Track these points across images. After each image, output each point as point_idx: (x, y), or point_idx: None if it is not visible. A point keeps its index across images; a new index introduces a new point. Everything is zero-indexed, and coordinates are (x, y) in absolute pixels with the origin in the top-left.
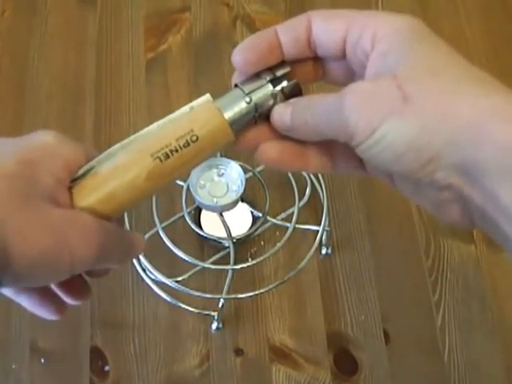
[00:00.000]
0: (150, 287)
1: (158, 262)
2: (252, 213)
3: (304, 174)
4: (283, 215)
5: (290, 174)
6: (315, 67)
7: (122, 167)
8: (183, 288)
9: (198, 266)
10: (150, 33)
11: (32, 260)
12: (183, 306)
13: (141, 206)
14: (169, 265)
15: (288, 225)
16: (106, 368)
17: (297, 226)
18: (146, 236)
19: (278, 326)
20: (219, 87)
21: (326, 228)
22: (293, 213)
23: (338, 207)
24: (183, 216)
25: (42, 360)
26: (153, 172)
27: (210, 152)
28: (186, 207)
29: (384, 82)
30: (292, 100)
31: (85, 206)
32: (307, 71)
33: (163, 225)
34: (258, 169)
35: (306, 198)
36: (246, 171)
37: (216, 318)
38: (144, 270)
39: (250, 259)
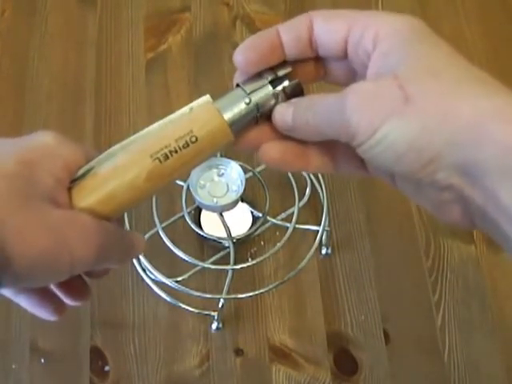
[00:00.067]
0: (150, 287)
1: (157, 262)
2: (252, 213)
3: (304, 174)
4: (283, 215)
5: (290, 174)
6: (317, 67)
7: (121, 168)
8: (183, 288)
9: (197, 265)
10: (150, 33)
11: (31, 260)
12: (183, 305)
13: (141, 206)
14: (169, 265)
15: (288, 225)
16: (106, 368)
17: (297, 226)
18: (146, 236)
19: (278, 326)
20: (219, 87)
21: (326, 228)
22: (293, 213)
23: (338, 207)
24: (183, 216)
25: (42, 360)
26: (152, 172)
27: (209, 153)
28: (186, 207)
29: (385, 83)
30: (293, 100)
31: (84, 207)
32: (309, 71)
33: (163, 225)
34: (258, 169)
35: (305, 198)
36: (246, 171)
37: (216, 317)
38: (144, 270)
39: (249, 259)
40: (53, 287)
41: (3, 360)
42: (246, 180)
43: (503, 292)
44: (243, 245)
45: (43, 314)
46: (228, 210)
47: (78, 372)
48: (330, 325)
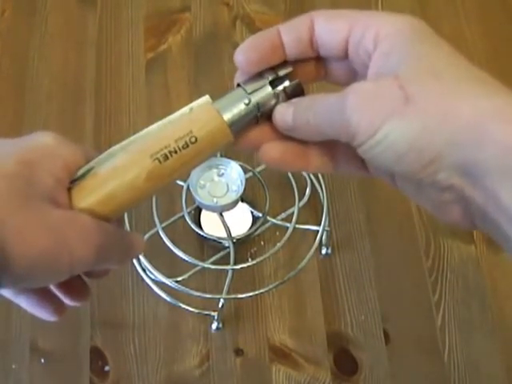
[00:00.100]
0: (150, 287)
1: (157, 262)
2: (252, 213)
3: (304, 174)
4: (283, 215)
5: (290, 174)
6: (317, 67)
7: (121, 168)
8: (183, 288)
9: (197, 265)
10: (150, 33)
11: (31, 260)
12: (183, 305)
13: (141, 206)
14: (169, 265)
15: (288, 225)
16: (106, 368)
17: (297, 226)
18: (146, 236)
19: (278, 326)
20: (219, 87)
21: (326, 228)
22: (293, 213)
23: (338, 207)
24: (183, 216)
25: (42, 360)
26: (152, 173)
27: (209, 153)
28: (186, 207)
29: (386, 83)
30: (294, 100)
31: (84, 207)
32: (309, 71)
33: (163, 225)
34: (258, 169)
35: (305, 198)
36: (246, 171)
37: (216, 317)
38: (144, 270)
39: (249, 259)
40: (52, 288)
41: (3, 360)
42: (246, 180)
43: (503, 292)
44: (243, 245)
45: (43, 314)
46: (228, 209)
47: (77, 372)
48: (330, 325)
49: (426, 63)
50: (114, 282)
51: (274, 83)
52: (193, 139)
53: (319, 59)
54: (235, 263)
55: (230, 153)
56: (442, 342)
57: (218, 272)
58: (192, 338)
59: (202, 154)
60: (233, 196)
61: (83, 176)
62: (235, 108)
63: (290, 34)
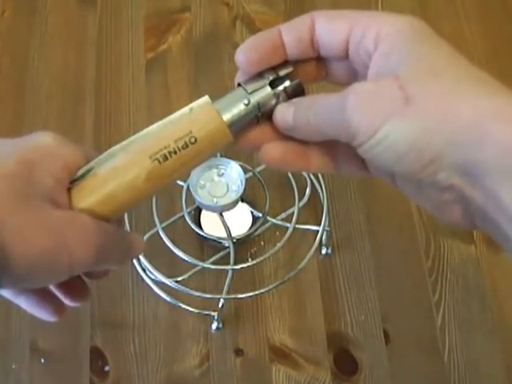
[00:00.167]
0: (150, 287)
1: (157, 262)
2: (252, 213)
3: (304, 174)
4: (283, 215)
5: (290, 174)
6: (318, 67)
7: (121, 168)
8: (183, 288)
9: (197, 266)
10: (150, 33)
11: (31, 261)
12: (183, 306)
13: (141, 206)
14: (169, 265)
15: (288, 225)
16: (106, 368)
17: (297, 226)
18: (146, 236)
19: (278, 326)
20: (219, 87)
21: (326, 228)
22: (293, 213)
23: (338, 207)
24: (183, 216)
25: (42, 360)
26: (152, 173)
27: (208, 153)
28: (186, 207)
29: (386, 83)
30: (294, 100)
31: (84, 207)
32: (310, 71)
33: (163, 225)
34: (258, 169)
35: (305, 198)
36: (246, 171)
37: (216, 317)
38: (144, 270)
39: (249, 259)
40: (52, 288)
41: (3, 360)
42: (246, 180)
43: (503, 292)
44: (243, 245)
45: (43, 314)
46: (228, 209)
47: (78, 372)
48: (330, 325)
49: (426, 63)
50: (113, 282)
51: (274, 83)
52: (192, 139)
53: (320, 59)
54: (235, 263)
55: (230, 153)
56: (442, 342)
57: (217, 272)
58: (192, 337)
59: (201, 154)
60: (233, 196)
61: (83, 176)
62: (235, 108)
63: (291, 34)
